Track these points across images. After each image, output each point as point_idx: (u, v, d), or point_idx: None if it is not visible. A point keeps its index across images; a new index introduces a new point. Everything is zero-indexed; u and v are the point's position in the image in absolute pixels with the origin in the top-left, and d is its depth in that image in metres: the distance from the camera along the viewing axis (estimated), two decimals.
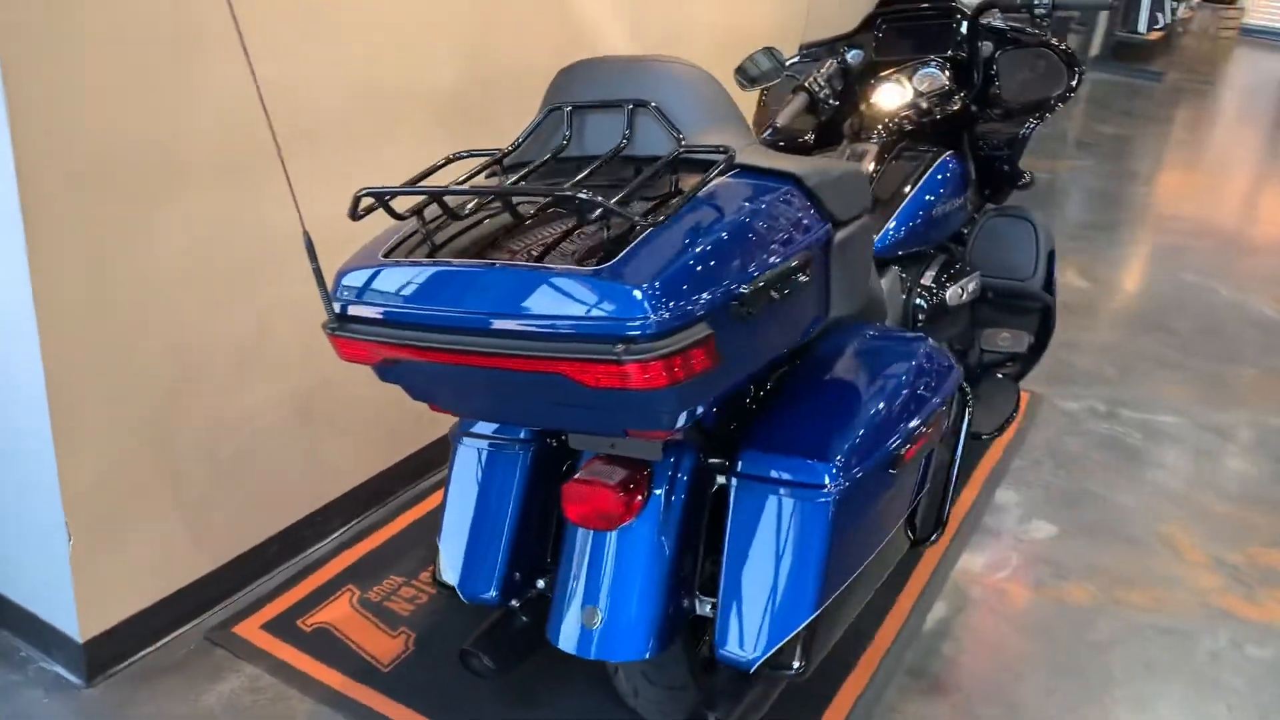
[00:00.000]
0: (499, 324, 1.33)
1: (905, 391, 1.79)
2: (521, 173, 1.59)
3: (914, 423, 1.75)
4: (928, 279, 2.54)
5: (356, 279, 1.45)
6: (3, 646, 2.12)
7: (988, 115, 2.71)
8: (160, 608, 2.13)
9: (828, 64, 2.51)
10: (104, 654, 2.04)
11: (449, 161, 1.67)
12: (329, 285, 1.44)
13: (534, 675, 2.08)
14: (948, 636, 2.37)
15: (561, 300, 1.30)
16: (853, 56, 2.90)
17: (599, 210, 1.31)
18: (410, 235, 1.50)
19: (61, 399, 1.82)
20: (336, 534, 2.53)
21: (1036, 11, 2.52)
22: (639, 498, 1.66)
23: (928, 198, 2.47)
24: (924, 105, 2.66)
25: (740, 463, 1.66)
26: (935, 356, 1.92)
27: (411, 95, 2.39)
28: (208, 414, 2.11)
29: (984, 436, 2.68)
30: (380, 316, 1.42)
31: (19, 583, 2.08)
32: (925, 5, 2.81)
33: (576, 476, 1.64)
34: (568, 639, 1.68)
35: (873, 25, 2.89)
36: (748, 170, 1.54)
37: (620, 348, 1.26)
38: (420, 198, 1.49)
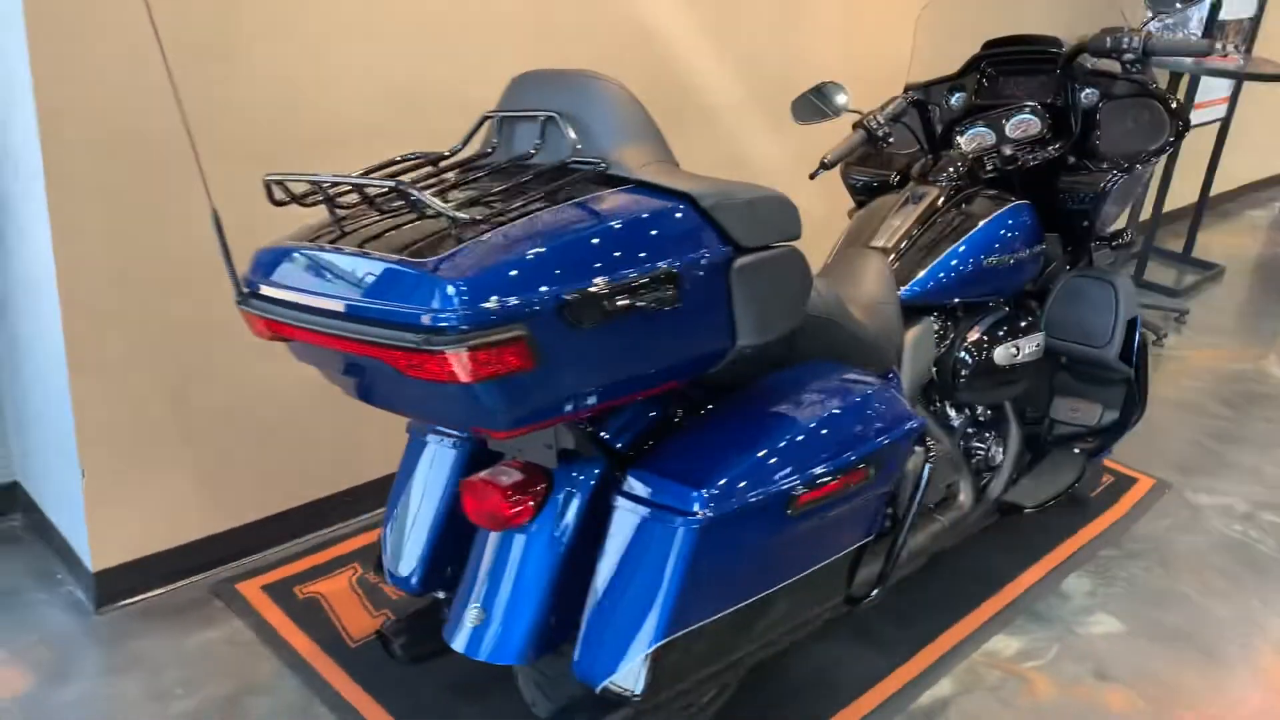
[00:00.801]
0: (337, 306, 1.38)
1: (825, 434, 1.68)
2: (450, 174, 1.65)
3: (821, 468, 1.65)
4: (975, 334, 2.36)
5: (263, 258, 1.55)
6: (45, 567, 2.41)
7: (1079, 167, 2.50)
8: (173, 555, 2.34)
9: (894, 102, 2.41)
10: (113, 587, 2.27)
11: (396, 161, 1.75)
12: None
13: (485, 670, 2.11)
14: (936, 718, 2.18)
15: (387, 288, 1.34)
16: (956, 100, 2.77)
17: (431, 208, 1.35)
18: (329, 223, 1.59)
19: (78, 349, 2.06)
20: (364, 516, 2.67)
21: (1125, 58, 2.31)
22: (530, 503, 1.67)
23: (981, 247, 2.31)
24: (1008, 152, 2.50)
25: (625, 481, 1.63)
26: (889, 406, 1.80)
27: (451, 106, 2.52)
28: (231, 380, 2.31)
29: (1026, 510, 2.45)
30: (269, 295, 1.52)
31: (61, 511, 2.35)
32: (1029, 49, 2.64)
33: (476, 475, 1.68)
34: (453, 635, 1.70)
35: (976, 67, 2.75)
36: (644, 186, 1.52)
37: (421, 337, 1.28)
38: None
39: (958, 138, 2.58)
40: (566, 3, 2.75)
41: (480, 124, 1.71)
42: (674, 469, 1.59)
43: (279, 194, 1.54)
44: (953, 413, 2.43)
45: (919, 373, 2.26)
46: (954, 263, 2.29)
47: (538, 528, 1.68)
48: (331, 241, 1.50)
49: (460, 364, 1.28)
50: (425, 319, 1.29)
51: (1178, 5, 2.42)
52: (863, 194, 2.68)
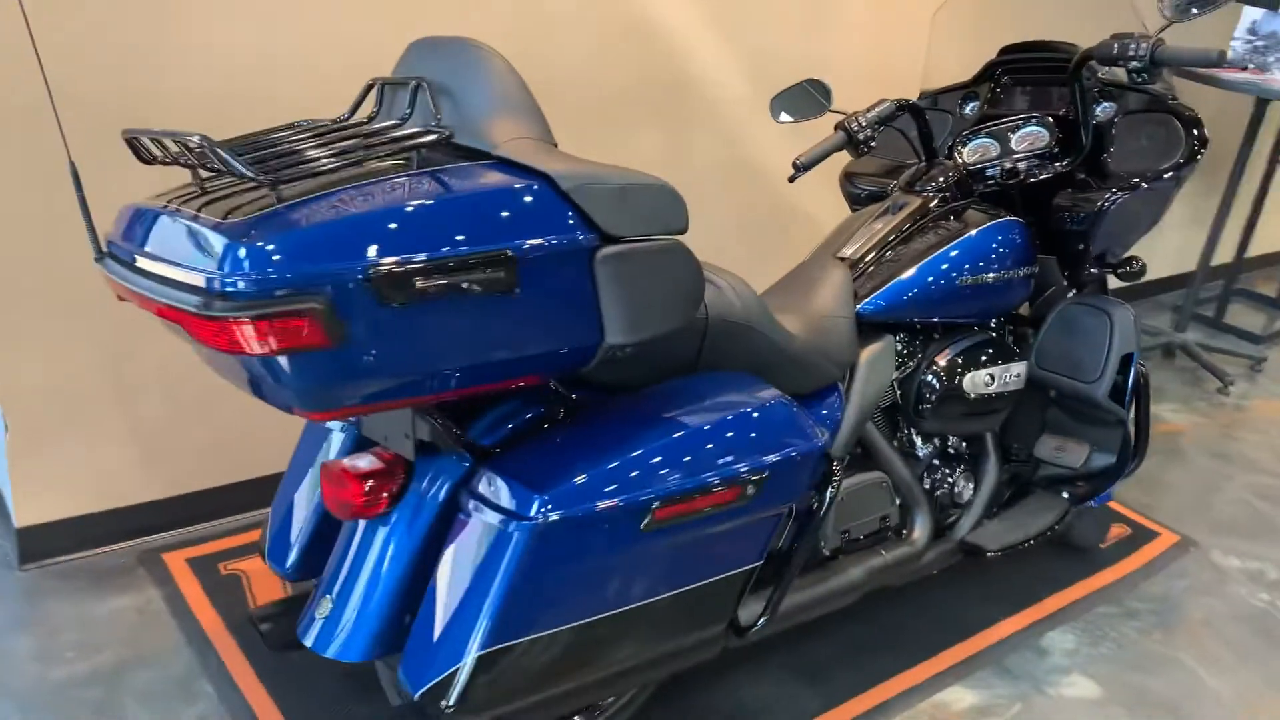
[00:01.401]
0: (158, 270, 1.31)
1: (694, 447, 1.54)
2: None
3: (684, 482, 1.51)
4: (944, 358, 2.17)
5: (120, 217, 1.50)
6: None
7: (1086, 185, 2.29)
8: (105, 518, 2.33)
9: (881, 104, 2.24)
10: (37, 545, 2.26)
11: (291, 125, 1.69)
12: None
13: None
14: None
15: (194, 252, 1.27)
16: (970, 109, 2.59)
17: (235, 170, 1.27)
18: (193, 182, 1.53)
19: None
20: None
21: (1131, 66, 2.09)
22: (385, 495, 1.58)
23: (955, 265, 2.12)
24: (1008, 165, 2.30)
25: (474, 479, 1.52)
26: (784, 424, 1.65)
27: None
28: (173, 350, 2.28)
29: (988, 553, 2.24)
30: (116, 254, 1.46)
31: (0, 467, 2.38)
32: (1047, 56, 2.44)
33: (336, 460, 1.59)
34: (304, 628, 1.62)
35: (991, 74, 2.55)
36: (504, 163, 1.42)
37: (205, 302, 1.20)
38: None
39: (960, 148, 2.39)
40: None
41: (367, 90, 1.63)
42: (521, 470, 1.48)
43: (143, 152, 1.48)
44: (919, 440, 2.24)
45: (872, 394, 2.09)
46: (921, 279, 2.10)
47: (394, 521, 1.58)
48: (184, 203, 1.44)
49: (243, 333, 1.19)
50: (215, 284, 1.21)
51: (1194, 10, 2.18)
52: (865, 205, 2.51)
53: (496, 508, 1.44)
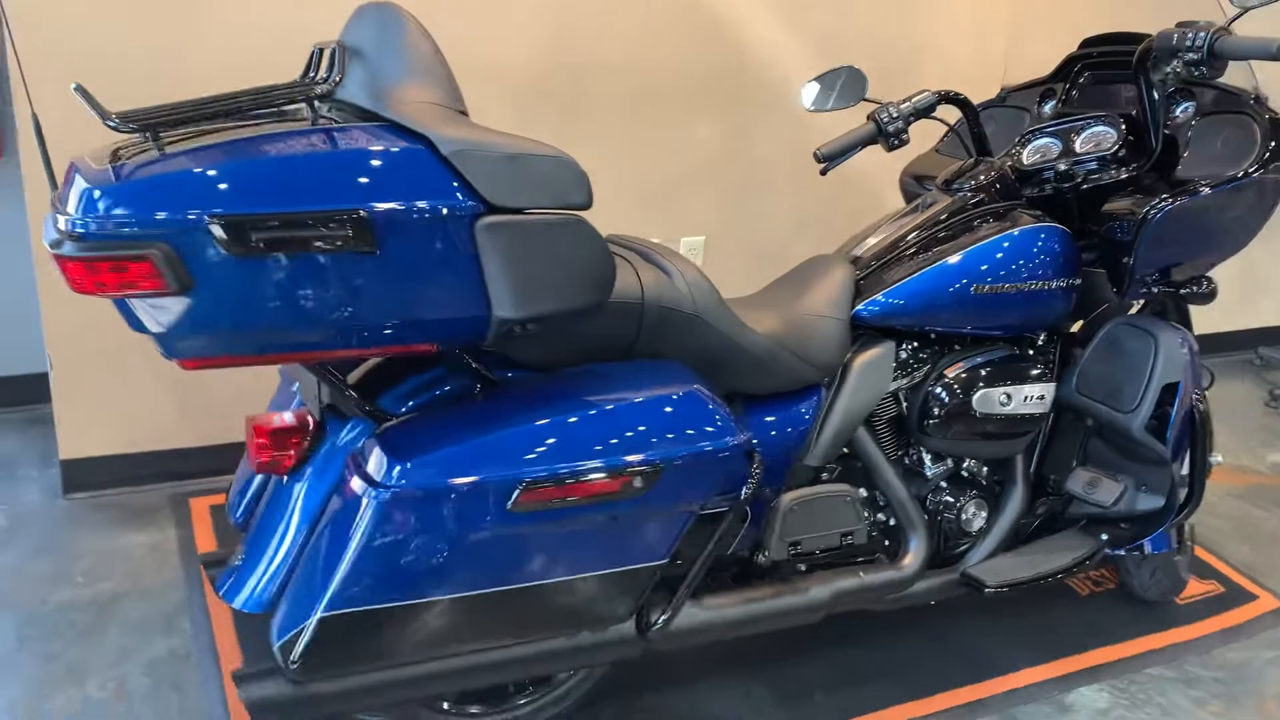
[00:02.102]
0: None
1: (580, 433, 1.48)
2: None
3: (560, 468, 1.45)
4: (955, 370, 1.99)
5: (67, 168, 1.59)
6: (49, 448, 2.64)
7: (1149, 191, 2.03)
8: (141, 459, 2.50)
9: (920, 95, 2.08)
10: (80, 477, 2.45)
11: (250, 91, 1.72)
12: None
13: None
14: None
15: (77, 198, 1.32)
16: (1049, 108, 2.37)
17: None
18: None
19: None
20: None
21: (1188, 59, 1.84)
22: (292, 453, 1.60)
23: (969, 271, 1.94)
24: (1063, 167, 2.09)
25: (359, 444, 1.52)
26: (699, 420, 1.55)
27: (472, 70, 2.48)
28: None
29: (986, 589, 2.02)
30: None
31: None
32: (1130, 48, 2.18)
33: (259, 414, 1.64)
34: (221, 575, 1.66)
35: (1070, 70, 2.32)
36: (393, 126, 1.40)
37: (53, 241, 1.25)
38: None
39: (1020, 149, 2.19)
40: None
41: (312, 54, 1.65)
42: (398, 439, 1.46)
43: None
44: (928, 459, 2.07)
45: (861, 402, 1.93)
46: (928, 284, 1.93)
47: (300, 479, 1.61)
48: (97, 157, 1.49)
49: (79, 273, 1.24)
50: (68, 225, 1.26)
51: None
52: None
53: (362, 473, 1.43)
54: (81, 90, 1.29)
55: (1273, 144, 1.95)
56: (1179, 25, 1.91)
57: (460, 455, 1.42)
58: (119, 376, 2.41)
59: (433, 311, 1.38)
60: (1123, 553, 2.17)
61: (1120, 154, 2.06)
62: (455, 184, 1.34)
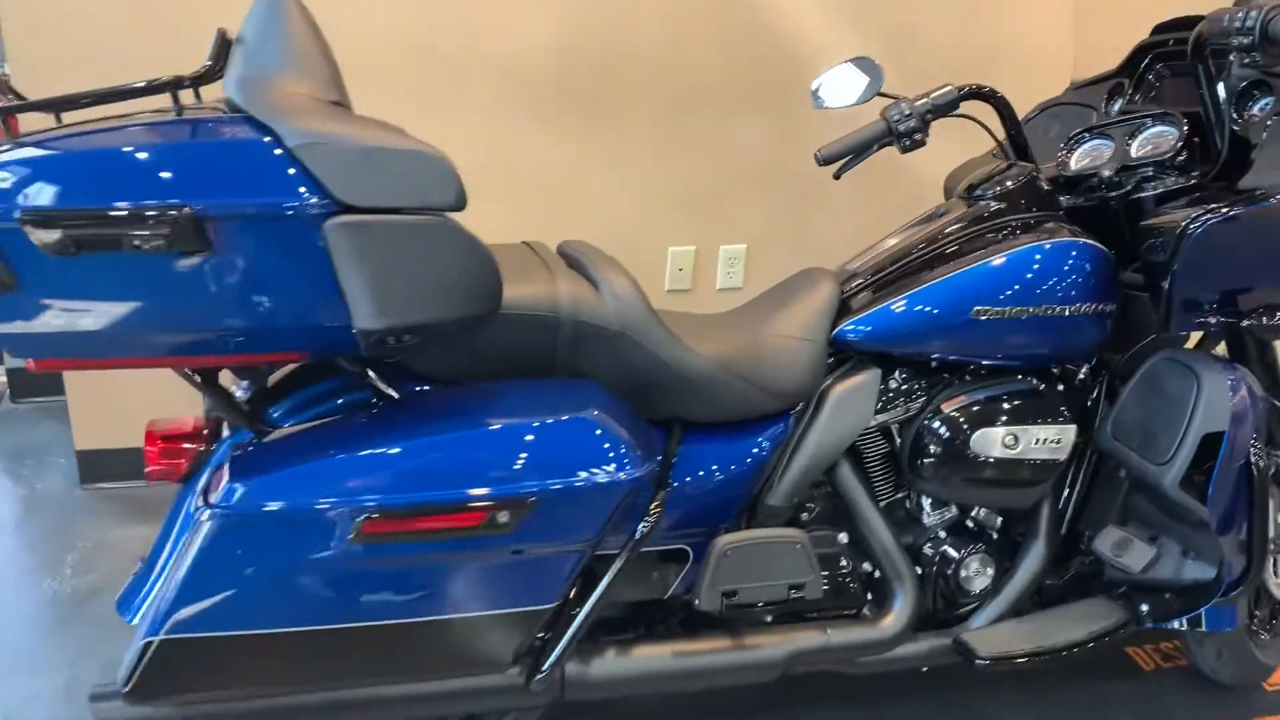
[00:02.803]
0: None
1: (443, 462, 1.34)
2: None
3: (410, 498, 1.31)
4: (954, 404, 1.72)
5: None
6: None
7: (1207, 200, 1.71)
8: None
9: (940, 90, 1.82)
10: (95, 468, 2.49)
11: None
12: None
13: None
14: None
15: None
16: (1117, 105, 2.06)
17: None
18: None
19: None
20: None
21: (1237, 44, 1.53)
22: (182, 460, 1.54)
23: (970, 292, 1.68)
24: (1108, 174, 1.80)
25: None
26: (589, 450, 1.38)
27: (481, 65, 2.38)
28: None
29: (977, 660, 1.73)
30: None
31: None
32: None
33: (163, 418, 1.59)
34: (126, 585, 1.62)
35: (1140, 61, 2.00)
36: (244, 117, 1.30)
37: None
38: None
39: (1068, 154, 1.90)
40: None
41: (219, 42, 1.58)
42: (251, 455, 1.36)
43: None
44: (927, 504, 1.81)
45: (836, 436, 1.70)
46: (922, 304, 1.69)
47: (190, 489, 1.54)
48: None
49: None
50: None
51: None
52: None
53: (204, 491, 1.34)
54: None
55: None
56: (1237, 3, 1.60)
57: (302, 479, 1.31)
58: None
59: (287, 319, 1.27)
60: (1170, 626, 1.83)
61: (1179, 159, 1.75)
62: (303, 180, 1.22)
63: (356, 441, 1.36)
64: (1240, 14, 1.54)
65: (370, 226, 1.24)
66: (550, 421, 1.39)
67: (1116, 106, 2.04)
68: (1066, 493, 1.90)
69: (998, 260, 1.70)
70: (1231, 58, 1.64)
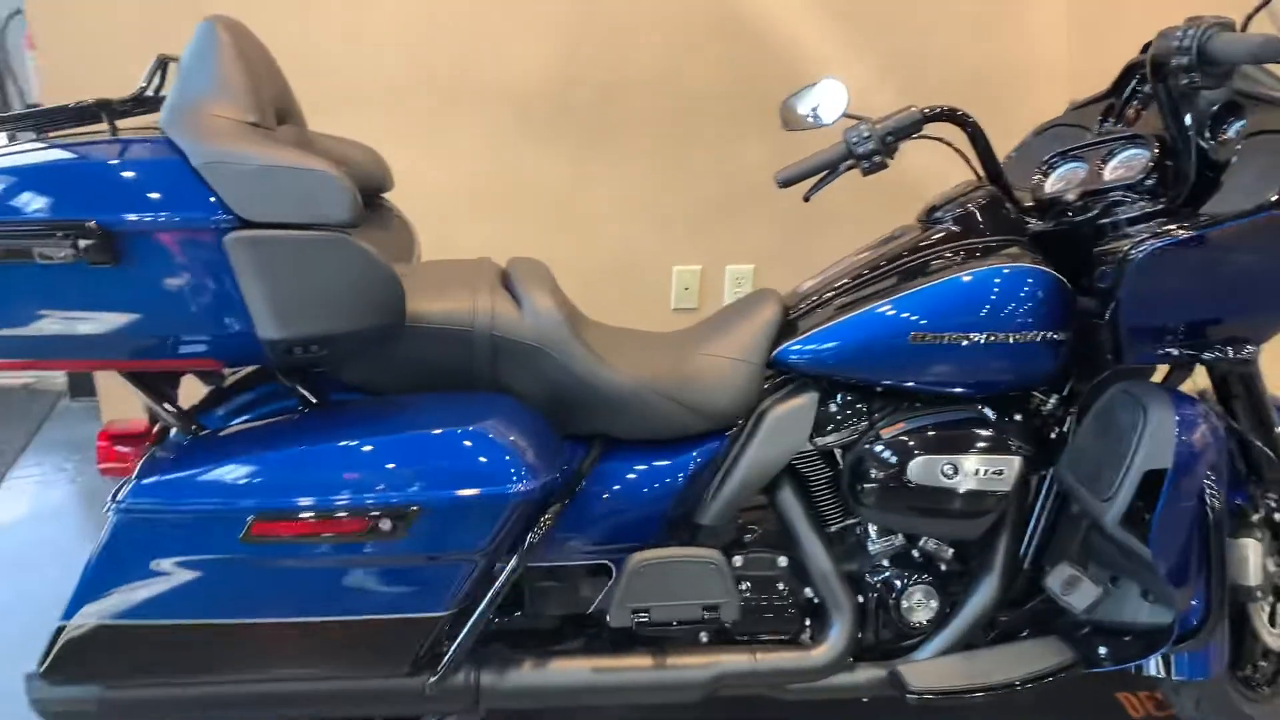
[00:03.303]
0: None
1: (331, 468, 1.41)
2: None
3: (295, 502, 1.38)
4: (892, 430, 1.69)
5: None
6: None
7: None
8: None
9: (903, 113, 1.79)
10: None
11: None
12: None
13: None
14: None
15: None
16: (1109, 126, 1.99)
17: None
18: None
19: None
20: None
21: (1177, 62, 1.48)
22: (130, 459, 1.64)
23: (908, 317, 1.65)
24: (1071, 198, 1.75)
25: None
26: (477, 462, 1.42)
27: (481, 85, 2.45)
28: None
29: (909, 694, 1.68)
30: None
31: None
32: None
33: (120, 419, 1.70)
34: None
35: (1126, 82, 1.93)
36: (166, 139, 1.39)
37: None
38: None
39: (1043, 178, 1.85)
40: None
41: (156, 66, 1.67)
42: (164, 454, 1.45)
43: None
44: (873, 531, 1.78)
45: (769, 457, 1.69)
46: (857, 329, 1.67)
47: None
48: None
49: None
50: None
51: None
52: None
53: (124, 487, 1.43)
54: None
55: None
56: (1189, 20, 1.54)
57: (200, 480, 1.39)
58: None
59: (195, 329, 1.36)
60: (1149, 673, 1.75)
61: (1148, 182, 1.69)
62: (207, 197, 1.31)
63: (260, 446, 1.44)
64: (1179, 33, 1.48)
65: (268, 241, 1.32)
66: (441, 433, 1.43)
67: (1106, 127, 1.98)
68: (1032, 527, 1.84)
69: (937, 284, 1.66)
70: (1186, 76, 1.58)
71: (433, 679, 1.53)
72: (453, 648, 1.52)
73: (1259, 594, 1.85)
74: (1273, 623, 1.97)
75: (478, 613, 1.51)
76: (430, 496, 1.40)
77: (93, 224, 1.29)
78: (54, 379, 3.34)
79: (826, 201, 2.70)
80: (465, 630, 1.51)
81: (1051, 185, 1.83)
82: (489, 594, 1.51)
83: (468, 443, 1.43)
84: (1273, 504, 1.89)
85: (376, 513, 1.39)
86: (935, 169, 1.94)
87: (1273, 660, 2.03)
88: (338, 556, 1.42)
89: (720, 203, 2.73)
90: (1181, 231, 1.56)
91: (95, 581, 1.41)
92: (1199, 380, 1.88)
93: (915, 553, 1.79)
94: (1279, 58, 1.41)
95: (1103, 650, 1.75)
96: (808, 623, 1.77)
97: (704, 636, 1.74)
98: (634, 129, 2.64)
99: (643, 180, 2.71)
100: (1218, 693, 1.88)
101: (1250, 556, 1.83)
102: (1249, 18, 1.55)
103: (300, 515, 1.38)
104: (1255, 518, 1.87)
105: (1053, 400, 1.80)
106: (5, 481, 2.78)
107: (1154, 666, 1.79)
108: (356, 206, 1.35)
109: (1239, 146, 1.63)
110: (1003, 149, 1.89)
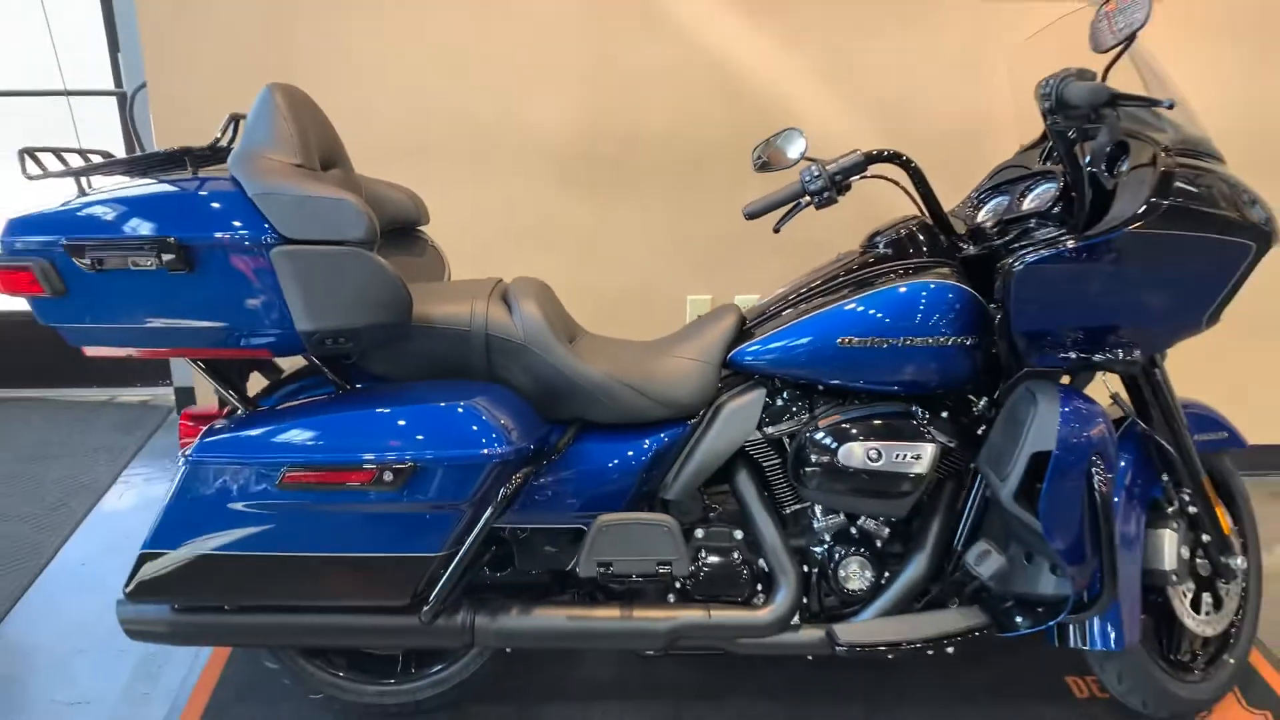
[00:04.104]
0: None
1: (347, 430, 1.76)
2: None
3: (316, 458, 1.75)
4: (829, 421, 1.98)
5: None
6: None
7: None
8: None
9: (849, 155, 2.09)
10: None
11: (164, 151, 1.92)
12: None
13: None
14: None
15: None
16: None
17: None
18: None
19: None
20: None
21: (1044, 106, 1.77)
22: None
23: (838, 324, 1.94)
24: (987, 224, 2.04)
25: None
26: (463, 430, 1.77)
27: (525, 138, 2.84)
28: None
29: (837, 647, 1.94)
30: None
31: None
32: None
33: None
34: None
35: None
36: (233, 178, 1.77)
37: None
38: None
39: (975, 210, 2.14)
40: (633, 43, 2.87)
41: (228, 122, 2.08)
42: (229, 423, 1.83)
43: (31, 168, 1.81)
44: (818, 510, 2.06)
45: (723, 444, 1.99)
46: (795, 335, 1.97)
47: None
48: None
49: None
50: None
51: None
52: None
53: (193, 443, 1.83)
54: (28, 150, 1.83)
55: (1152, 199, 1.77)
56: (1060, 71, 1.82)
57: (247, 439, 1.77)
58: None
59: (249, 323, 1.75)
60: (1077, 647, 2.00)
61: (1055, 210, 1.96)
62: (260, 220, 1.70)
63: (294, 417, 1.81)
64: (1045, 81, 1.76)
65: (303, 254, 1.69)
66: (435, 407, 1.79)
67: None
68: (966, 514, 2.09)
69: (865, 297, 1.95)
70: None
71: (426, 608, 1.87)
72: (441, 581, 1.86)
73: (1174, 578, 2.07)
74: (1197, 609, 2.17)
75: (461, 552, 1.85)
76: (423, 455, 1.76)
77: (172, 240, 1.69)
78: (166, 396, 3.82)
79: (820, 236, 3.03)
80: (451, 566, 1.85)
81: (982, 216, 2.11)
82: (469, 538, 1.85)
83: (456, 414, 1.79)
84: (1186, 498, 2.10)
85: (380, 466, 1.75)
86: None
87: (1207, 645, 2.23)
88: (351, 503, 1.78)
89: (728, 240, 3.05)
90: (1051, 248, 1.83)
91: (168, 519, 1.80)
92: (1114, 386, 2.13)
93: (854, 530, 2.06)
94: (1102, 100, 1.67)
95: (1017, 618, 1.99)
96: (759, 588, 2.06)
97: (671, 598, 2.05)
98: (651, 176, 2.99)
99: (659, 220, 3.06)
100: (1137, 668, 2.08)
101: (1165, 545, 2.06)
102: (1107, 69, 1.81)
103: (321, 467, 1.75)
104: (1170, 510, 2.10)
105: (983, 402, 2.06)
106: (121, 477, 3.24)
107: (1073, 638, 2.03)
108: (372, 228, 1.71)
109: (1125, 179, 1.89)
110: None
